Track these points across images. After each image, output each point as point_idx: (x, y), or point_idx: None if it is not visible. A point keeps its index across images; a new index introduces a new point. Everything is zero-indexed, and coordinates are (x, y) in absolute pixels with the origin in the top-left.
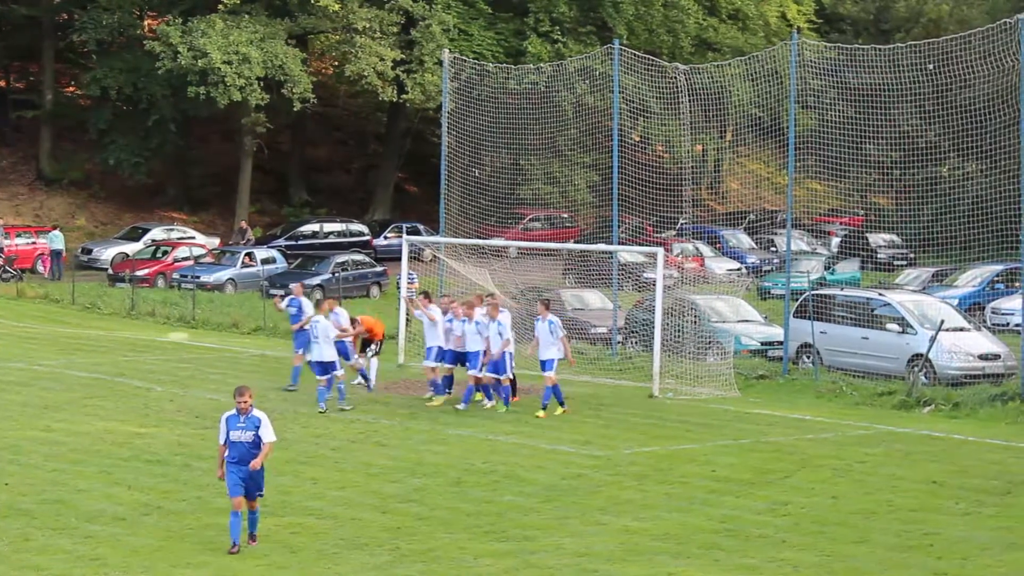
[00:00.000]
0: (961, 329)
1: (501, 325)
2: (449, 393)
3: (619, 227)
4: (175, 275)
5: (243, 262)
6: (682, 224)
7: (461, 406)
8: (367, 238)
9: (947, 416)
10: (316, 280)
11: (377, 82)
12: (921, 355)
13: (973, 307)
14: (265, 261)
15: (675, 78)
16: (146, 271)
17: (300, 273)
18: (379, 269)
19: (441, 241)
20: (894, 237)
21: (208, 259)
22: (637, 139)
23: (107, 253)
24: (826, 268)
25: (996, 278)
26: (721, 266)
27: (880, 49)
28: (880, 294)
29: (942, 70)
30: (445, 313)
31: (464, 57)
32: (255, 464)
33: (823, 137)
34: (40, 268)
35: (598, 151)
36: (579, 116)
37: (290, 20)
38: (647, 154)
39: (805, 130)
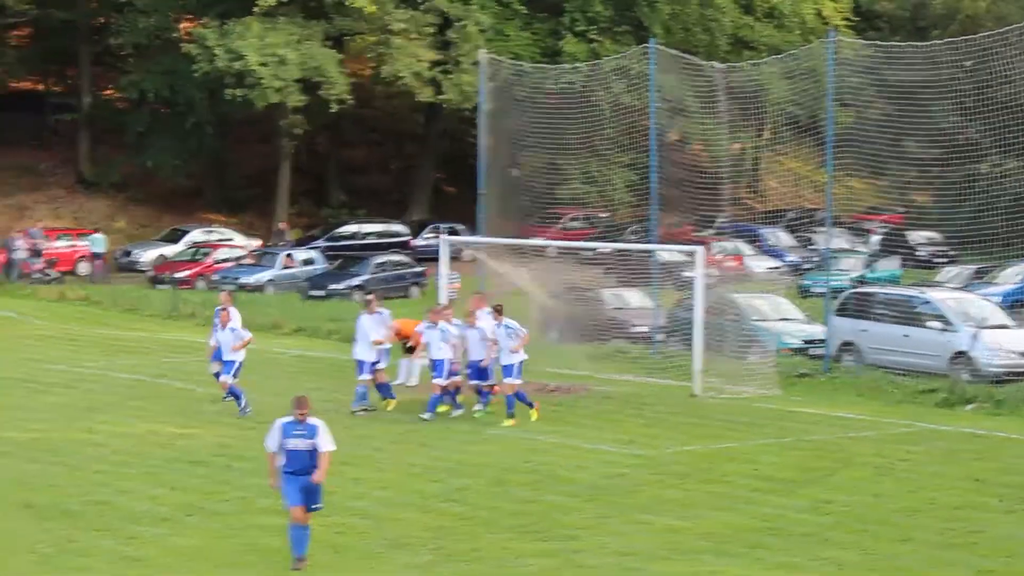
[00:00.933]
0: (1003, 326)
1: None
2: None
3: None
4: (215, 276)
5: (283, 263)
6: (721, 223)
7: (427, 415)
8: (406, 239)
9: (989, 414)
10: (355, 280)
11: (414, 83)
12: (963, 353)
13: (1015, 304)
14: (305, 262)
15: (712, 77)
16: (187, 273)
17: (340, 274)
18: (418, 269)
19: (480, 241)
20: (934, 234)
21: (248, 260)
22: (675, 138)
23: (147, 255)
24: (866, 266)
25: None
26: (761, 264)
27: (917, 46)
28: (921, 292)
29: (980, 66)
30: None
31: (500, 57)
32: (318, 478)
33: (861, 135)
34: (82, 270)
35: (636, 150)
36: (616, 115)
37: (326, 22)
38: (685, 153)
39: (843, 128)
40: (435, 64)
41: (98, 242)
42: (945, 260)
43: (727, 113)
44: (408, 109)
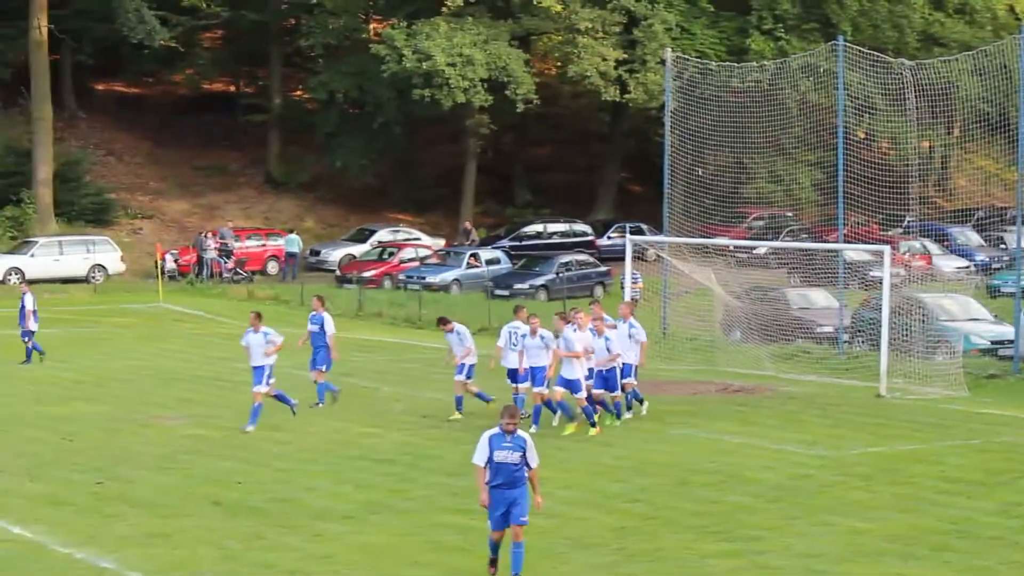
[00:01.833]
0: None
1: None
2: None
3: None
4: (401, 276)
5: (468, 263)
6: (908, 222)
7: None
8: (591, 238)
9: None
10: (540, 280)
11: (600, 82)
12: None
13: None
14: (490, 262)
15: (900, 74)
16: (373, 272)
17: (524, 273)
18: (603, 269)
19: (664, 240)
20: None
21: (433, 260)
22: (862, 136)
23: (334, 255)
24: None
25: None
26: (949, 264)
27: None
28: None
29: None
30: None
31: (686, 56)
32: (538, 503)
33: None
34: (271, 270)
35: (823, 148)
36: (803, 113)
37: (513, 21)
38: (872, 151)
39: None
40: (621, 63)
41: (292, 242)
42: None
43: (916, 110)
44: (594, 108)
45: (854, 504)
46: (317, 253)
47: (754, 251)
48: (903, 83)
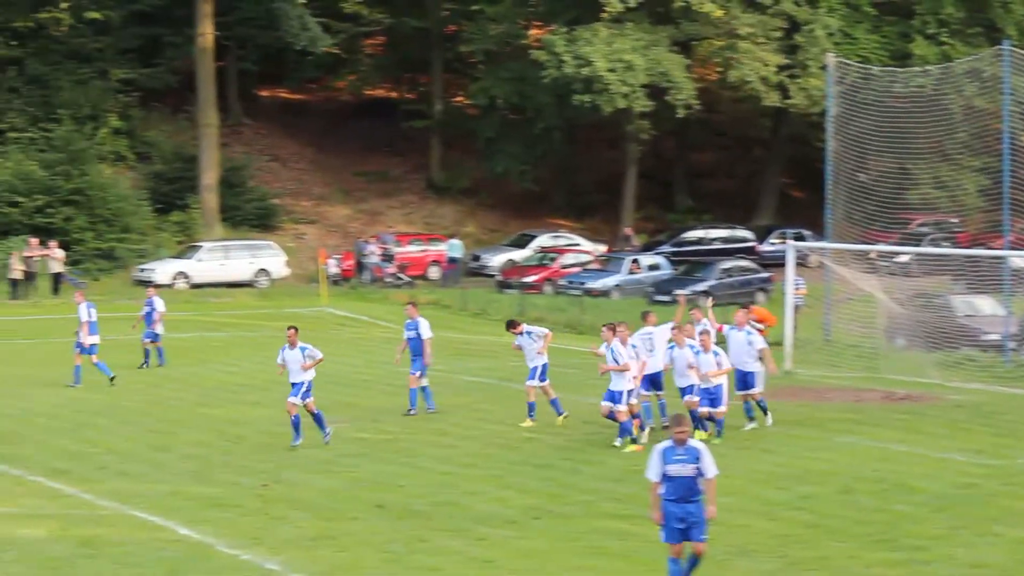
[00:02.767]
0: None
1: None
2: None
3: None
4: (562, 281)
5: (629, 268)
6: None
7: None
8: (752, 244)
9: None
10: (701, 286)
11: (760, 87)
12: None
13: None
14: (651, 267)
15: None
16: (534, 277)
17: (685, 279)
18: (764, 275)
19: (827, 246)
20: None
21: (594, 266)
22: None
23: (495, 260)
24: None
25: None
26: None
27: None
28: None
29: None
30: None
31: (848, 61)
32: (712, 513)
33: None
34: (432, 275)
35: (988, 154)
36: (967, 119)
37: (674, 27)
38: None
39: None
40: (782, 68)
41: (455, 247)
42: None
43: None
44: (755, 113)
45: (1021, 514)
46: (478, 258)
47: (912, 257)
48: None
